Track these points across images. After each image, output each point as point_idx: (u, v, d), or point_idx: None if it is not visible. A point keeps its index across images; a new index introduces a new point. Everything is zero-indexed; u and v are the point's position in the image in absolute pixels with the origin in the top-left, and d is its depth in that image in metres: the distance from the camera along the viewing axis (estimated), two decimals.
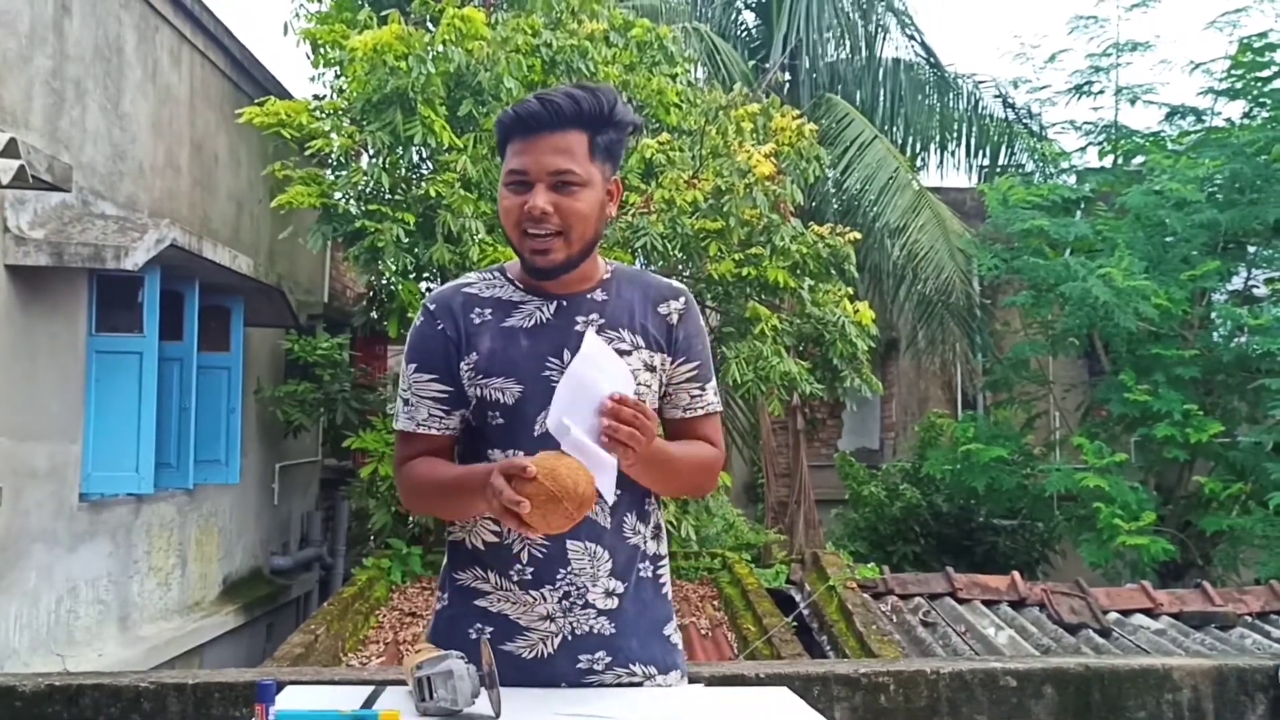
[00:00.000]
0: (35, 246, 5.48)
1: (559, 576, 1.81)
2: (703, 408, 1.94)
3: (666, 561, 1.96)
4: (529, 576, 1.81)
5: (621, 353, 1.81)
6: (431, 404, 1.84)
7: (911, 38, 12.65)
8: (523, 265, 1.84)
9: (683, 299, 1.92)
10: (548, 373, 1.79)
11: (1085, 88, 10.85)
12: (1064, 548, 10.18)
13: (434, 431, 1.85)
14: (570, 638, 1.82)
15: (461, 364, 1.82)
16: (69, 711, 2.79)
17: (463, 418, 1.86)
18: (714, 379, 1.97)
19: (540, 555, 1.81)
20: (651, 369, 1.86)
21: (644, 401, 1.77)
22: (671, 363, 1.89)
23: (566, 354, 1.79)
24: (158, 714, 2.81)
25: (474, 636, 1.80)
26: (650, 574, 1.90)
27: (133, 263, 5.63)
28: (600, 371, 1.65)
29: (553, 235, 1.76)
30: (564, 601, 1.81)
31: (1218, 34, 10.29)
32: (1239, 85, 9.95)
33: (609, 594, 1.83)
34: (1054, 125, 11.93)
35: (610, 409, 1.61)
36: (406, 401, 1.86)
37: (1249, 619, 5.85)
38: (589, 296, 1.86)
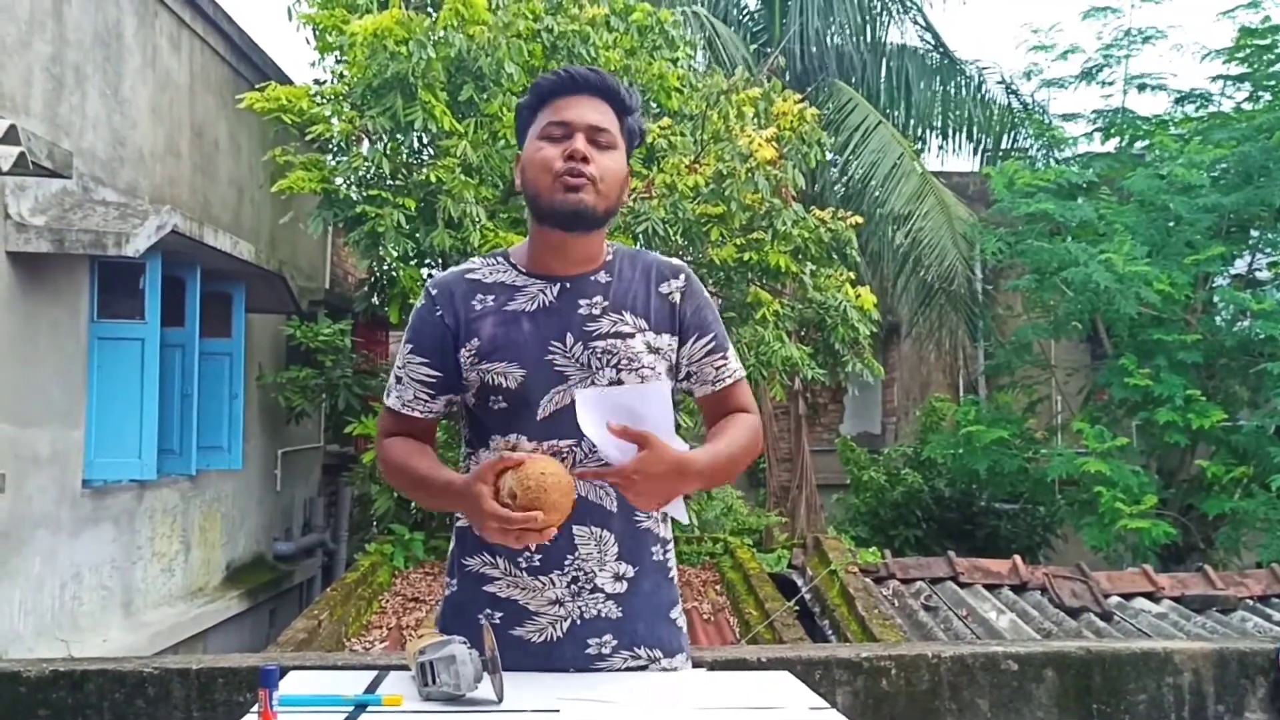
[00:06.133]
0: (36, 233, 5.47)
1: (567, 562, 1.82)
2: (729, 376, 1.94)
3: (671, 544, 1.97)
4: (537, 563, 1.82)
5: (624, 335, 1.83)
6: (419, 387, 1.88)
7: (916, 22, 12.58)
8: (544, 218, 1.83)
9: (682, 276, 1.94)
10: (550, 356, 1.81)
11: (1095, 73, 10.79)
12: (1065, 531, 10.18)
13: (417, 414, 1.90)
14: (579, 622, 1.82)
15: (461, 351, 1.84)
16: (73, 697, 2.80)
17: (449, 402, 1.90)
18: (731, 345, 1.98)
19: (547, 543, 1.81)
20: (656, 350, 1.86)
21: (651, 379, 1.81)
22: (683, 342, 1.90)
23: (569, 337, 1.81)
24: (162, 699, 2.82)
25: (483, 622, 1.81)
26: (660, 557, 1.91)
27: (134, 249, 5.62)
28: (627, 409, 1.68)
29: (587, 180, 1.79)
30: (572, 586, 1.82)
31: (1231, 23, 10.20)
32: (1246, 69, 9.90)
33: (618, 578, 1.84)
34: (1061, 115, 11.83)
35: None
36: (398, 379, 1.91)
37: (1250, 602, 5.85)
38: (592, 279, 1.87)
